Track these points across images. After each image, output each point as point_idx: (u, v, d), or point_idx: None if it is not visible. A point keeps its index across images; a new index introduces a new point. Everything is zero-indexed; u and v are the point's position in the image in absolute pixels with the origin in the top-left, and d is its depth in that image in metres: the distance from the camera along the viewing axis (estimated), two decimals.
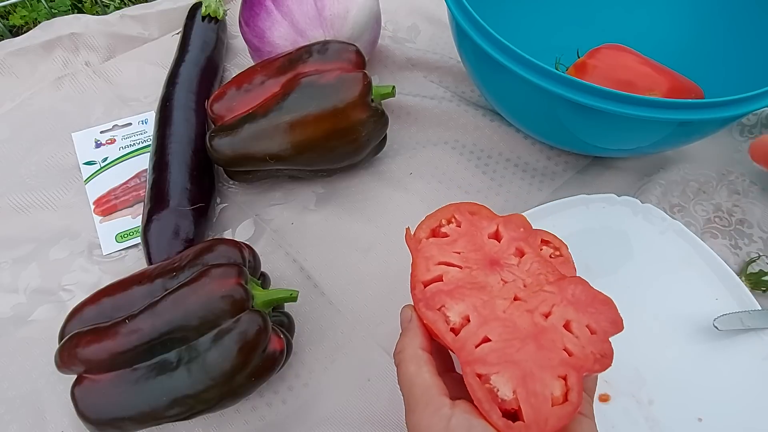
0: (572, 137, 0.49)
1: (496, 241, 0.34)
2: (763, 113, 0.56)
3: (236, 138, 0.47)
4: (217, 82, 0.60)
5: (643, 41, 0.54)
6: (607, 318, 0.30)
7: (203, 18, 0.62)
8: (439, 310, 0.31)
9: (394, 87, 0.51)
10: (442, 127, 0.58)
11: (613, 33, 0.56)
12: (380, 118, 0.49)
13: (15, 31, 0.77)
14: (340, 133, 0.48)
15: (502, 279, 0.32)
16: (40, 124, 0.59)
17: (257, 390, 0.39)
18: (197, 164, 0.50)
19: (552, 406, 0.27)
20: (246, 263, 0.40)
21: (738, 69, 0.53)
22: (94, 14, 0.72)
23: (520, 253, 0.34)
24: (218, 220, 0.52)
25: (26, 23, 0.78)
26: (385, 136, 0.52)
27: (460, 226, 0.35)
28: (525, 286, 0.32)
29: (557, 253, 0.40)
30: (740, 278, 0.45)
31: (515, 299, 0.31)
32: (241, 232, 0.52)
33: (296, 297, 0.40)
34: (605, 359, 0.29)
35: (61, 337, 0.38)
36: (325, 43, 0.50)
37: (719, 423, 0.40)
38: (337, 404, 0.43)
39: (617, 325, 0.30)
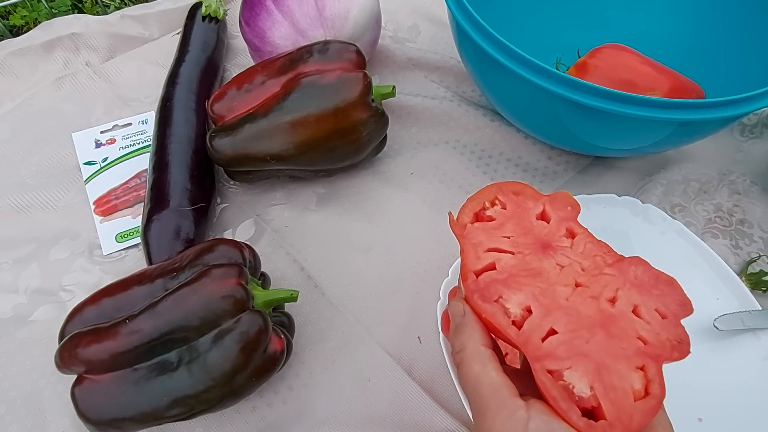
0: (573, 137, 0.49)
1: (544, 223, 0.32)
2: (764, 113, 0.56)
3: (237, 138, 0.47)
4: (218, 82, 0.60)
5: (644, 41, 0.54)
6: (674, 300, 0.28)
7: (203, 18, 0.62)
8: (496, 302, 0.28)
9: (394, 87, 0.51)
10: (442, 127, 0.58)
11: (613, 33, 0.56)
12: (381, 118, 0.49)
13: (15, 31, 0.77)
14: (341, 133, 0.48)
15: (557, 263, 0.29)
16: (40, 124, 0.59)
17: (258, 390, 0.39)
18: (198, 164, 0.50)
19: (634, 401, 0.25)
20: (246, 263, 0.40)
21: (738, 69, 0.53)
22: (94, 14, 0.72)
23: (571, 234, 0.31)
24: (219, 221, 0.52)
25: (26, 23, 0.78)
26: (386, 136, 0.52)
27: (505, 208, 0.32)
28: (583, 269, 0.29)
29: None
30: (741, 278, 0.45)
31: (576, 285, 0.28)
32: (241, 233, 0.52)
33: (296, 297, 0.40)
34: (683, 345, 0.26)
35: (61, 338, 0.38)
36: (325, 43, 0.50)
37: (719, 423, 0.40)
38: (337, 404, 0.43)
39: (687, 308, 0.27)
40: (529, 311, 0.28)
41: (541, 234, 0.31)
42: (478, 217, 0.32)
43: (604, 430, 0.24)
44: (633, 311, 0.28)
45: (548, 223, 0.32)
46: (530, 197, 0.33)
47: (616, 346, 0.26)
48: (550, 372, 0.26)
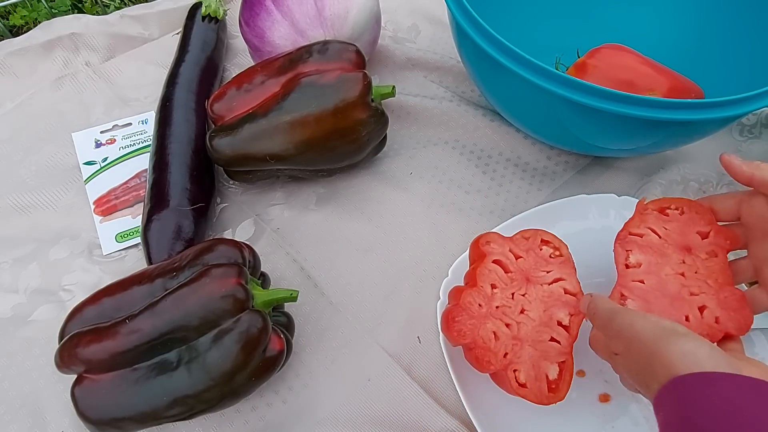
0: (572, 137, 0.49)
1: (700, 238, 0.41)
2: (763, 113, 0.56)
3: (236, 138, 0.47)
4: (217, 82, 0.60)
5: (643, 41, 0.54)
6: (736, 324, 0.37)
7: (203, 18, 0.62)
8: (626, 250, 0.41)
9: (394, 87, 0.51)
10: (442, 127, 0.58)
11: (613, 33, 0.56)
12: (380, 118, 0.49)
13: (15, 31, 0.77)
14: (341, 132, 0.48)
15: (684, 260, 0.40)
16: (40, 124, 0.59)
17: (257, 390, 0.39)
18: (197, 164, 0.50)
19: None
20: (246, 263, 0.40)
21: (738, 69, 0.53)
22: (94, 14, 0.72)
23: (713, 255, 0.40)
24: (218, 220, 0.52)
25: (26, 23, 0.78)
26: (385, 135, 0.52)
27: (682, 214, 0.42)
28: (696, 272, 0.39)
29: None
30: None
31: (682, 275, 0.39)
32: (241, 232, 0.52)
33: (296, 297, 0.40)
34: (707, 339, 0.33)
35: (61, 337, 0.38)
36: (325, 43, 0.50)
37: None
38: (337, 404, 0.43)
39: (741, 331, 0.37)
40: (639, 266, 0.40)
41: (690, 241, 0.41)
42: (661, 210, 0.42)
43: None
44: (699, 308, 0.38)
45: (703, 239, 0.41)
46: (707, 220, 0.41)
47: (672, 310, 0.38)
48: (621, 295, 0.39)
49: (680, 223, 0.41)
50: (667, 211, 0.42)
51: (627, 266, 0.40)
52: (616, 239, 0.42)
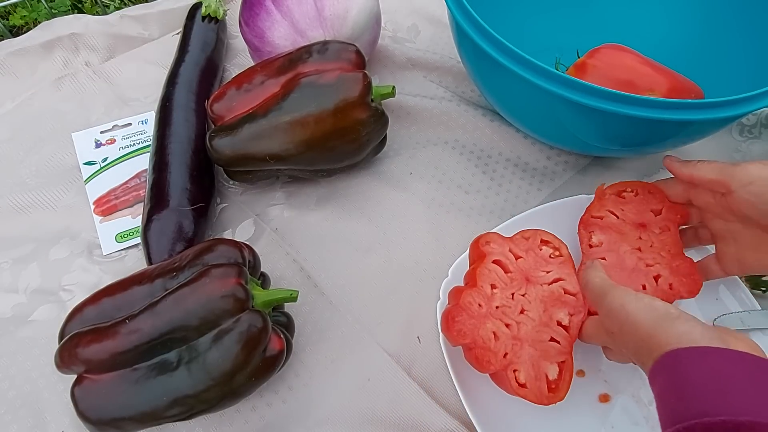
0: (572, 137, 0.49)
1: (653, 215, 0.45)
2: (763, 113, 0.56)
3: (236, 138, 0.47)
4: (217, 82, 0.60)
5: (643, 41, 0.54)
6: (687, 288, 0.42)
7: (203, 18, 0.62)
8: (589, 232, 0.45)
9: (394, 87, 0.51)
10: (442, 127, 0.58)
11: (613, 33, 0.56)
12: (380, 118, 0.49)
13: (15, 32, 0.77)
14: (340, 133, 0.48)
15: (640, 236, 0.44)
16: (40, 124, 0.59)
17: (257, 390, 0.39)
18: (197, 164, 0.50)
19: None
20: (246, 263, 0.40)
21: (737, 69, 0.53)
22: (94, 14, 0.72)
23: (666, 229, 0.44)
24: (218, 220, 0.52)
25: (26, 23, 0.78)
26: (385, 136, 0.52)
27: (636, 195, 0.46)
28: (651, 246, 0.44)
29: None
30: (740, 278, 0.45)
31: (638, 249, 0.43)
32: (241, 232, 0.52)
33: (296, 297, 0.40)
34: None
35: (61, 337, 0.38)
36: (325, 43, 0.50)
37: None
38: (337, 404, 0.43)
39: (691, 294, 0.42)
40: (600, 245, 0.45)
41: (644, 218, 0.45)
42: (618, 194, 0.47)
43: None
44: (655, 277, 0.42)
45: (656, 216, 0.45)
46: (658, 198, 0.45)
47: (629, 281, 0.42)
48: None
49: (635, 203, 0.46)
50: (624, 193, 0.46)
51: (590, 246, 0.44)
52: (579, 222, 0.46)
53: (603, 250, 0.44)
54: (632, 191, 0.46)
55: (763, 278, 0.46)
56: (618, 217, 0.45)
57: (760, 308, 0.44)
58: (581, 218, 0.46)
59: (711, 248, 0.45)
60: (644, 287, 0.42)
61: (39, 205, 0.53)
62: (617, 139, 0.46)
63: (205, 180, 0.50)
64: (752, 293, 0.45)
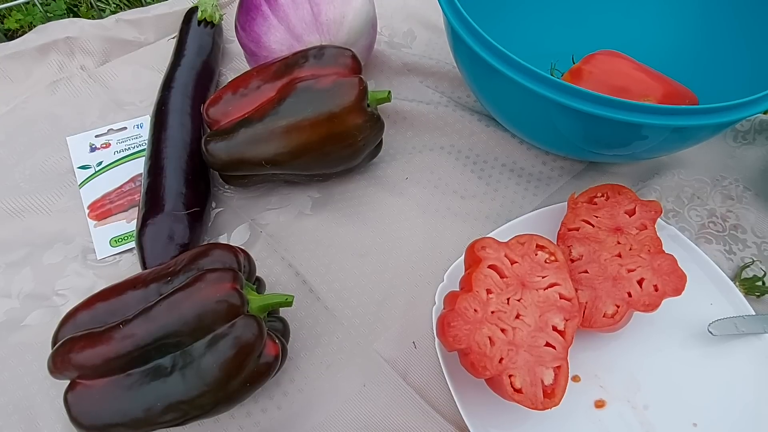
0: (567, 142, 0.49)
1: (627, 216, 0.45)
2: (756, 119, 0.57)
3: (232, 142, 0.47)
4: (213, 87, 0.60)
5: (638, 47, 0.54)
6: (673, 286, 0.41)
7: (199, 22, 0.62)
8: (568, 246, 0.45)
9: (390, 92, 0.51)
10: (437, 132, 0.58)
11: (608, 39, 0.56)
12: (376, 123, 0.49)
13: (10, 35, 0.77)
14: (336, 137, 0.48)
15: (618, 241, 0.44)
16: (34, 128, 0.59)
17: (252, 395, 0.39)
18: (192, 169, 0.50)
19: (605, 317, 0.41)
20: (241, 268, 0.40)
21: (732, 75, 0.53)
22: (89, 18, 0.72)
23: (643, 227, 0.44)
24: (213, 225, 0.52)
25: (21, 27, 0.78)
26: (381, 140, 0.52)
27: (607, 200, 0.46)
28: (630, 249, 0.43)
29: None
30: (734, 283, 0.45)
31: (618, 255, 0.43)
32: (236, 237, 0.51)
33: (291, 302, 0.40)
34: (650, 307, 0.41)
35: (54, 342, 0.38)
36: (321, 48, 0.50)
37: (714, 428, 0.40)
38: (332, 410, 0.42)
39: (678, 292, 0.41)
40: (581, 257, 0.44)
41: (620, 221, 0.45)
42: (590, 201, 0.47)
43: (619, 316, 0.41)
44: (639, 282, 0.42)
45: (630, 216, 0.45)
46: (628, 198, 0.46)
47: (612, 291, 0.42)
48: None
49: (608, 207, 0.46)
50: (595, 200, 0.47)
51: (572, 260, 0.44)
52: (557, 237, 0.46)
53: (584, 263, 0.44)
54: (603, 195, 0.47)
55: (757, 283, 0.46)
56: (593, 226, 0.45)
57: (754, 313, 0.44)
58: (558, 233, 0.46)
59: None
60: (630, 294, 0.41)
61: (33, 209, 0.53)
62: (612, 145, 0.47)
63: (200, 184, 0.50)
64: (746, 298, 0.45)
